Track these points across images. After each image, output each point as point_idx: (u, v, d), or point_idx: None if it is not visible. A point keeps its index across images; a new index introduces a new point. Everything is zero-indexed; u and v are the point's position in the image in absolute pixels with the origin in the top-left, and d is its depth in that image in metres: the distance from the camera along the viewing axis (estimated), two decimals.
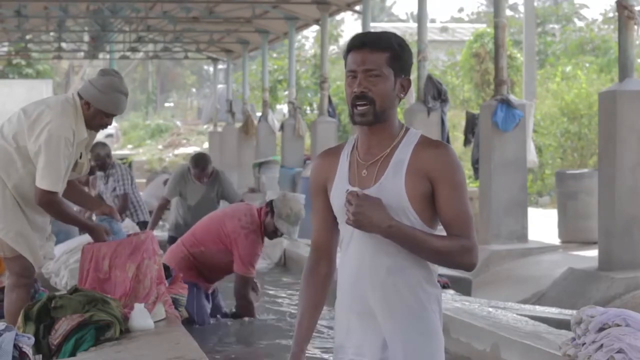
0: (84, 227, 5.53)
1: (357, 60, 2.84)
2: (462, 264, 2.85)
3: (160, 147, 36.05)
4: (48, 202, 5.20)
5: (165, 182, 13.02)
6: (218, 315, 7.22)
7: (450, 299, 6.71)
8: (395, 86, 2.87)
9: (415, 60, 14.44)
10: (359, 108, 2.84)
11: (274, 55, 35.43)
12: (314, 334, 3.11)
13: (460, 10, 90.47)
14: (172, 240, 9.98)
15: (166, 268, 5.75)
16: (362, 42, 2.85)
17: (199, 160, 9.61)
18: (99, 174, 9.97)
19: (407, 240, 2.79)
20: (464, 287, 8.06)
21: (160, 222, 10.80)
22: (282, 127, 19.45)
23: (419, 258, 2.86)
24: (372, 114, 2.84)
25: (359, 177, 2.89)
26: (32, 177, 5.23)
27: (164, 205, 9.76)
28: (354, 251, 2.90)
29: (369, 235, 2.85)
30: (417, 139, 2.88)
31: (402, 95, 2.90)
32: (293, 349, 3.02)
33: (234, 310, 7.21)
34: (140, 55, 31.71)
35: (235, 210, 7.08)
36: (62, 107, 5.30)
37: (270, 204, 6.98)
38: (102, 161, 9.75)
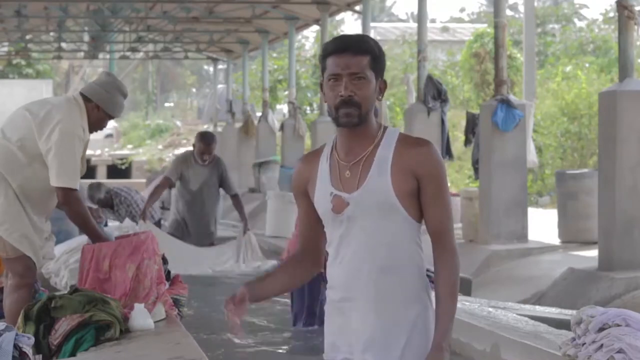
0: (95, 236, 5.46)
1: (341, 64, 2.86)
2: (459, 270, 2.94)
3: (160, 147, 36.06)
4: (70, 200, 5.21)
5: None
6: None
7: None
8: (376, 89, 2.91)
9: (415, 60, 14.46)
10: (343, 110, 2.86)
11: (274, 55, 35.43)
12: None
13: (462, 10, 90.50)
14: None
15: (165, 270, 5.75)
16: (345, 46, 2.88)
17: (205, 135, 9.74)
18: (109, 211, 9.95)
19: (451, 330, 2.86)
20: (464, 287, 8.06)
21: (163, 221, 10.75)
22: (282, 127, 19.45)
23: (410, 255, 2.90)
24: (357, 117, 2.87)
25: (342, 179, 2.91)
26: (38, 177, 5.23)
27: (165, 185, 9.73)
28: (345, 253, 2.91)
29: (359, 237, 2.89)
30: (396, 137, 2.92)
31: (380, 97, 2.94)
32: (245, 285, 3.02)
33: None
34: (140, 55, 31.71)
35: None
36: (69, 106, 5.33)
37: None
38: (105, 201, 9.74)
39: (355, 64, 2.86)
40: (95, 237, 5.45)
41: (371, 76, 2.88)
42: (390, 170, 2.86)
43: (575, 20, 38.92)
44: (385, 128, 2.94)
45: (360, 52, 2.87)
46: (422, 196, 2.88)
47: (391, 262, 2.87)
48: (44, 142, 5.19)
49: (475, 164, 12.30)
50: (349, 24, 74.59)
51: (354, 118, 2.86)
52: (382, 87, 2.93)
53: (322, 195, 2.93)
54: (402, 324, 2.87)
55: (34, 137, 5.22)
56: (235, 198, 9.99)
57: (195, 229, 9.84)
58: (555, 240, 11.18)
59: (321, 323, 3.07)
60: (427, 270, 2.95)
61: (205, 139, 9.65)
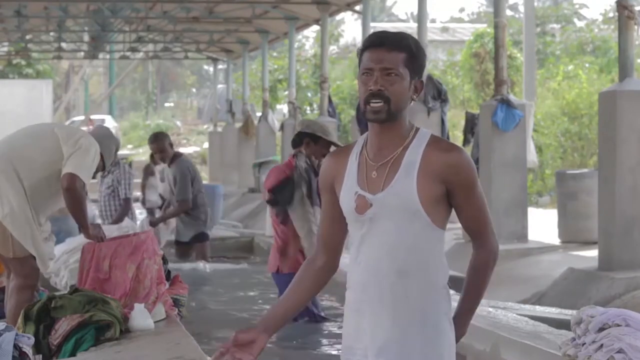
0: (85, 227, 5.56)
1: (374, 59, 2.83)
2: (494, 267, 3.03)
3: None
4: (77, 187, 5.30)
5: (145, 168, 14.42)
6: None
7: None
8: (410, 87, 2.87)
9: None
10: (372, 105, 2.83)
11: (274, 54, 35.42)
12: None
13: (461, 10, 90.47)
14: (177, 243, 10.05)
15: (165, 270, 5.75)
16: (381, 41, 2.85)
17: (151, 136, 10.03)
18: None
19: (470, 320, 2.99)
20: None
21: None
22: (282, 127, 19.44)
23: (430, 262, 2.87)
24: (385, 112, 2.83)
25: (369, 179, 2.88)
26: (48, 183, 5.31)
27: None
28: (365, 254, 2.89)
29: (380, 238, 2.85)
30: (427, 140, 2.87)
31: (414, 97, 2.89)
32: (255, 325, 2.94)
33: None
34: (140, 55, 31.71)
35: None
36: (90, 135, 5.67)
37: (295, 139, 6.94)
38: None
39: (389, 59, 2.82)
40: (85, 230, 5.57)
41: (405, 74, 2.84)
42: (417, 174, 2.82)
43: (575, 20, 38.93)
44: (417, 129, 2.90)
45: (396, 48, 2.83)
46: (453, 201, 2.86)
47: (410, 267, 2.84)
48: (71, 145, 5.37)
49: (475, 163, 12.27)
50: (349, 24, 74.65)
51: (382, 113, 2.82)
52: (418, 86, 2.89)
53: (347, 193, 2.90)
54: (417, 331, 2.84)
55: (56, 142, 5.38)
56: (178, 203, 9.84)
57: (186, 223, 9.93)
58: (555, 240, 11.18)
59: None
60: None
61: (150, 140, 10.01)
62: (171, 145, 9.77)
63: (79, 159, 5.30)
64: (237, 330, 2.88)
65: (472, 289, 2.98)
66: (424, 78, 13.22)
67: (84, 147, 5.35)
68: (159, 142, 9.68)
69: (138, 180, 20.32)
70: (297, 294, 3.01)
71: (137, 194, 11.94)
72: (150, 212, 18.30)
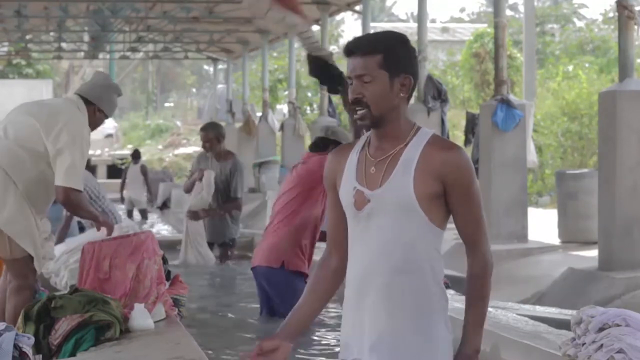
0: (97, 221, 5.63)
1: (350, 67, 2.87)
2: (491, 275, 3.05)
3: (160, 147, 36.07)
4: (74, 200, 5.26)
5: (141, 168, 15.93)
6: None
7: (450, 298, 6.66)
8: (392, 87, 2.85)
9: None
10: (357, 112, 2.87)
11: (274, 54, 35.41)
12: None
13: (462, 10, 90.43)
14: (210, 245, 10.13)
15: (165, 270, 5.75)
16: (351, 49, 2.88)
17: (204, 125, 10.18)
18: None
19: (479, 337, 2.94)
20: (464, 287, 8.06)
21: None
22: (282, 127, 19.45)
23: (425, 260, 2.87)
24: (369, 117, 2.86)
25: (367, 175, 2.89)
26: (42, 178, 5.26)
27: (199, 177, 10.06)
28: (360, 250, 2.90)
29: (377, 235, 2.86)
30: (427, 138, 2.87)
31: (402, 95, 2.87)
32: (277, 332, 2.96)
33: None
34: (140, 55, 31.71)
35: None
36: (72, 108, 5.39)
37: (318, 144, 6.91)
38: None
39: (361, 65, 2.84)
40: (98, 223, 5.61)
41: (381, 75, 2.83)
42: (414, 171, 2.82)
43: (575, 20, 38.96)
44: (419, 128, 2.90)
45: (368, 52, 2.84)
46: (449, 201, 2.86)
47: (406, 264, 2.84)
48: (52, 142, 5.21)
49: (475, 163, 12.31)
50: (349, 24, 74.60)
51: (366, 119, 2.86)
52: (406, 83, 2.87)
53: (346, 189, 2.91)
54: (411, 328, 2.85)
55: (39, 138, 5.24)
56: (233, 200, 9.92)
57: (210, 227, 9.98)
58: (555, 240, 11.18)
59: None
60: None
61: (201, 128, 10.09)
62: (218, 139, 9.78)
63: (66, 162, 5.17)
64: (262, 339, 2.92)
65: (475, 298, 2.98)
66: (425, 77, 13.35)
67: (68, 142, 5.19)
68: (206, 132, 9.87)
69: (115, 181, 20.37)
70: (316, 298, 3.03)
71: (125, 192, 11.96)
72: (143, 212, 18.35)
